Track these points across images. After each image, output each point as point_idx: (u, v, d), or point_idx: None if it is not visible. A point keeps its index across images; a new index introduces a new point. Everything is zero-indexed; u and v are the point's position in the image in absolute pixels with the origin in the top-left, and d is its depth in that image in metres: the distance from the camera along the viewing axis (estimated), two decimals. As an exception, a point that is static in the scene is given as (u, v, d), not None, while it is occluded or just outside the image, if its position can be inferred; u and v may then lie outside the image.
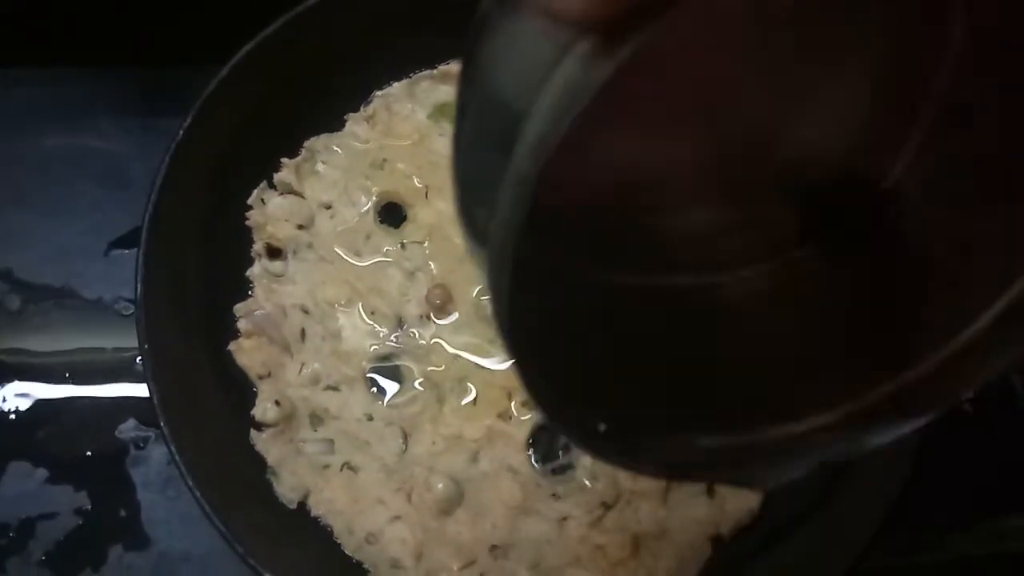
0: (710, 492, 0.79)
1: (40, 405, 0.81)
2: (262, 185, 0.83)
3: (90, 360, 0.83)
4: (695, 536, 0.77)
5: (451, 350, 0.80)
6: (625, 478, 0.77)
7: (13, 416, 0.80)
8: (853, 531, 0.71)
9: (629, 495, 0.77)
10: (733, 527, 0.78)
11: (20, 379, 0.81)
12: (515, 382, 0.79)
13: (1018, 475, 0.88)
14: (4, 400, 0.80)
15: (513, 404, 0.79)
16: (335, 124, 0.88)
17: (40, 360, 0.82)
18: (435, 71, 0.90)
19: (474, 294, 0.82)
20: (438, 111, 0.89)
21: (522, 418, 0.78)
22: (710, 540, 0.77)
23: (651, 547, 0.76)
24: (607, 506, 0.76)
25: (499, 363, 0.80)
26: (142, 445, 0.79)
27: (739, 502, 0.79)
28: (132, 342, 0.70)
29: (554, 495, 0.76)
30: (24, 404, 0.80)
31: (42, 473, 0.78)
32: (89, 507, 0.77)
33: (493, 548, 0.74)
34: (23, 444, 0.79)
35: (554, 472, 0.78)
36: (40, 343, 0.83)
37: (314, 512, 0.74)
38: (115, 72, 0.93)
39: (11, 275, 0.85)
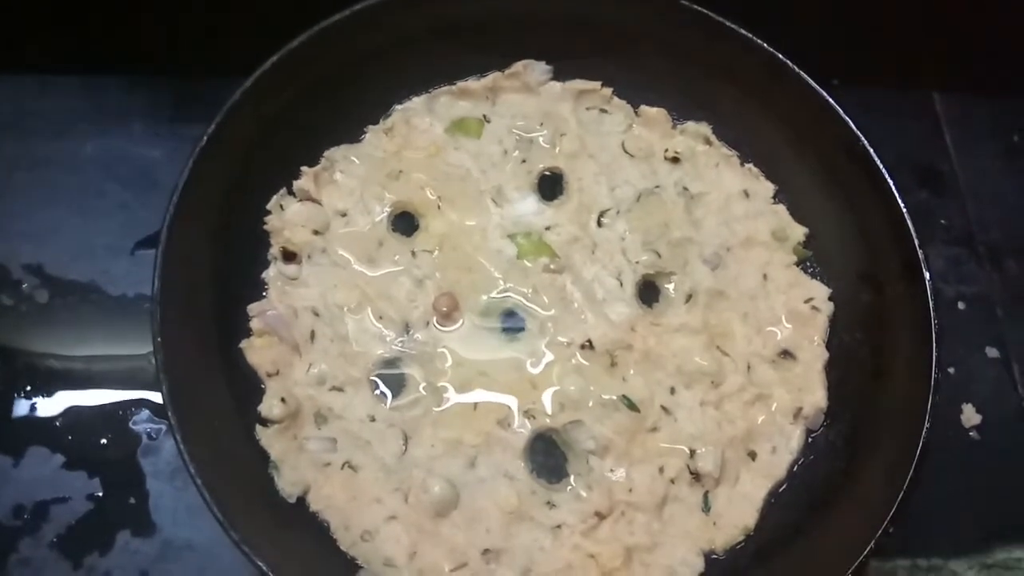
0: (705, 508, 0.79)
1: (61, 394, 0.84)
2: (281, 191, 0.86)
3: (111, 354, 0.86)
4: (688, 550, 0.78)
5: (454, 357, 0.82)
6: (620, 490, 0.78)
7: (35, 403, 0.83)
8: (844, 551, 0.70)
9: (624, 506, 0.78)
10: (727, 543, 0.78)
11: (43, 369, 0.85)
12: (515, 390, 0.81)
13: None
14: (27, 388, 0.84)
15: (513, 412, 0.80)
16: (355, 135, 0.91)
17: (63, 352, 0.86)
18: (454, 87, 0.94)
19: (480, 304, 0.84)
20: (455, 126, 0.92)
21: (521, 426, 0.80)
22: (703, 555, 0.78)
23: (643, 559, 0.77)
24: (601, 516, 0.77)
25: (501, 371, 0.82)
26: (154, 436, 0.82)
27: (734, 519, 0.79)
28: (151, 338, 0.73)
29: (549, 503, 0.78)
30: (46, 393, 0.84)
31: (59, 459, 0.81)
32: (101, 493, 0.80)
33: (486, 552, 0.75)
34: (42, 430, 0.82)
35: (550, 480, 0.79)
36: (64, 336, 0.86)
37: (313, 507, 0.76)
38: (149, 81, 0.98)
39: (42, 270, 0.89)
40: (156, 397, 0.83)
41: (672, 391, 0.82)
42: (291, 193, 0.87)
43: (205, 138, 0.78)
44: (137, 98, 0.98)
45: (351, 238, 0.86)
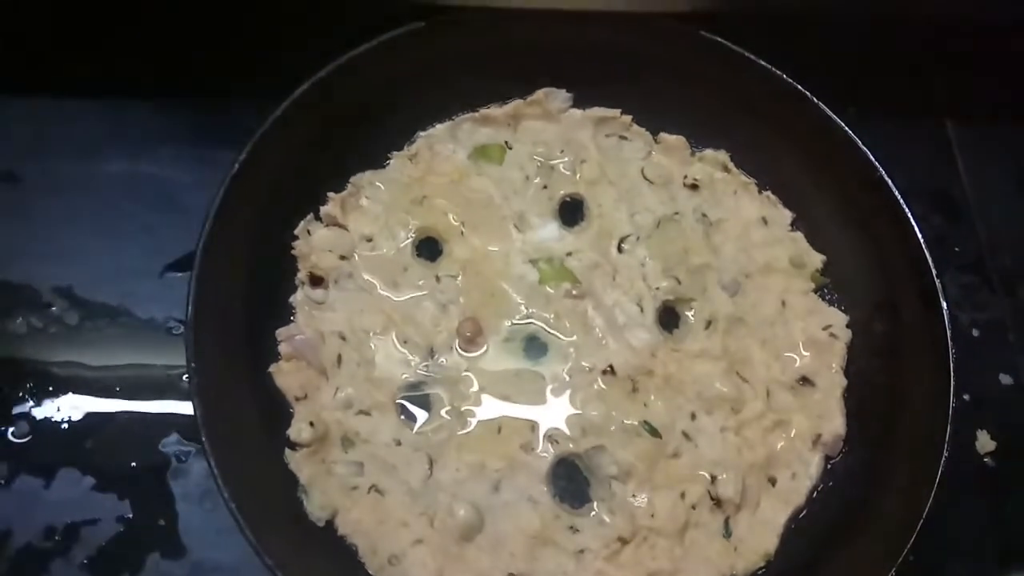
0: (727, 534, 0.80)
1: (91, 416, 0.85)
2: (309, 217, 0.88)
3: (139, 376, 0.87)
4: (709, 576, 0.79)
5: (479, 381, 0.83)
6: (643, 515, 0.79)
7: (65, 425, 0.85)
8: (865, 578, 0.72)
9: (646, 532, 0.79)
10: (747, 569, 0.79)
11: (74, 391, 0.86)
12: (539, 415, 0.82)
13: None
14: (58, 410, 0.85)
15: (536, 436, 0.81)
16: (380, 161, 0.92)
17: (93, 374, 0.87)
18: (477, 114, 0.95)
19: (503, 329, 0.85)
20: (477, 152, 0.94)
21: (544, 451, 0.81)
22: (724, 580, 0.79)
23: (665, 584, 0.78)
24: (624, 541, 0.78)
25: (524, 396, 0.83)
26: (183, 459, 0.83)
27: (756, 545, 0.80)
28: (180, 360, 0.74)
29: (572, 528, 0.79)
30: (76, 415, 0.85)
31: (89, 481, 0.82)
32: (130, 515, 0.81)
33: (511, 576, 0.76)
34: (73, 452, 0.83)
35: (573, 505, 0.80)
36: (94, 358, 0.88)
37: (341, 531, 0.77)
38: (174, 105, 0.99)
39: (71, 292, 0.90)
40: (185, 420, 0.83)
41: (693, 417, 0.84)
42: (318, 218, 0.88)
43: (237, 165, 0.80)
44: (161, 121, 1.00)
45: (376, 263, 0.87)
